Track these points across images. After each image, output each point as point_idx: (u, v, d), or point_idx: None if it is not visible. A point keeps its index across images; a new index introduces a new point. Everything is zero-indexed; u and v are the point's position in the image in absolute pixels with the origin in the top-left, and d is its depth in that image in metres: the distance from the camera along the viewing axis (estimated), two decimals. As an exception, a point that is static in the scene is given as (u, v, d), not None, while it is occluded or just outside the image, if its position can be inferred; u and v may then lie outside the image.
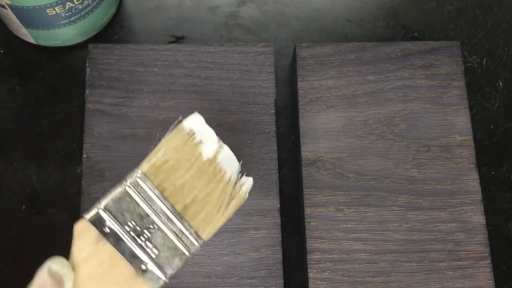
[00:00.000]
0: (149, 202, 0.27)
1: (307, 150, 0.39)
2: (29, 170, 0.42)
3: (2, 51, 0.45)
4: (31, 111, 0.43)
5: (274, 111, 0.40)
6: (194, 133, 0.28)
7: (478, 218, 0.38)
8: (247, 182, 0.29)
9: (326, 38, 0.46)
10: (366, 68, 0.41)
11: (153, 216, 0.27)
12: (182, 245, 0.27)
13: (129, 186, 0.27)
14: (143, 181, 0.27)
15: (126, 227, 0.27)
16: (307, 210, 0.38)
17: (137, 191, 0.27)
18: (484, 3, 0.48)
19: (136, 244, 0.27)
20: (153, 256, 0.27)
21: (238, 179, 0.29)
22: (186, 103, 0.40)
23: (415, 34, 0.47)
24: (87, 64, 0.41)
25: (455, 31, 0.47)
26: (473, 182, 0.39)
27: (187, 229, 0.28)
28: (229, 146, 0.40)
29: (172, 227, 0.27)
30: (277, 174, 0.39)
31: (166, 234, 0.27)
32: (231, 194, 0.29)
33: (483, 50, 0.46)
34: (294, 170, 0.43)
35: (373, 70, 0.41)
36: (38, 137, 0.43)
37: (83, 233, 0.27)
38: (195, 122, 0.28)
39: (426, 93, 0.41)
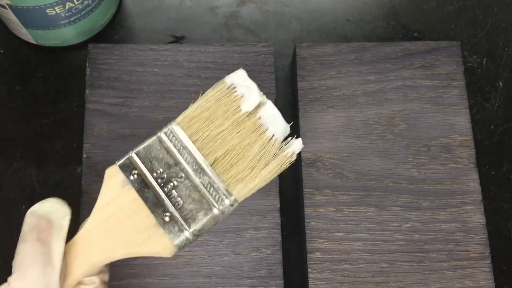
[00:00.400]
0: (179, 152, 0.26)
1: (307, 150, 0.39)
2: (29, 170, 0.42)
3: (2, 51, 0.45)
4: (31, 111, 0.43)
5: (274, 111, 0.40)
6: (235, 87, 0.27)
7: (478, 218, 0.38)
8: (295, 144, 0.28)
9: (326, 38, 0.46)
10: (366, 68, 0.41)
11: (182, 166, 0.26)
12: (209, 199, 0.26)
13: (162, 135, 0.26)
14: (176, 131, 0.26)
15: (154, 174, 0.26)
16: (307, 210, 0.38)
17: (169, 139, 0.26)
18: (484, 3, 0.48)
19: (160, 192, 0.26)
20: (177, 206, 0.26)
21: (285, 140, 0.27)
22: (186, 103, 0.40)
23: (415, 34, 0.47)
24: (87, 64, 0.41)
25: (455, 31, 0.47)
26: (473, 182, 0.39)
27: (216, 183, 0.26)
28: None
29: (200, 179, 0.26)
30: (277, 174, 0.39)
31: (193, 185, 0.26)
32: (272, 152, 0.27)
33: (483, 50, 0.46)
34: (294, 170, 0.43)
35: (373, 70, 0.41)
36: (38, 137, 0.43)
37: (111, 177, 0.26)
38: (238, 77, 0.27)
39: (426, 93, 0.41)
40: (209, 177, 0.26)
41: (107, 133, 0.39)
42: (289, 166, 0.42)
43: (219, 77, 0.41)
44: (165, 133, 0.26)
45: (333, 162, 0.39)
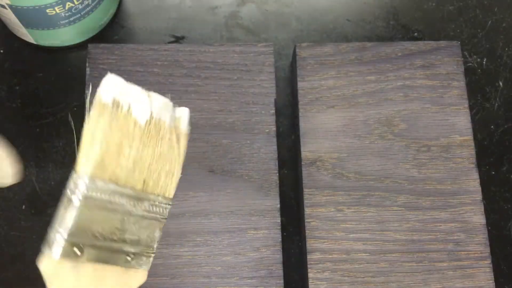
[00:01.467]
0: (109, 201, 0.23)
1: (307, 150, 0.39)
2: (29, 170, 0.42)
3: (2, 51, 0.45)
4: (31, 111, 0.43)
5: (274, 111, 0.40)
6: (118, 101, 0.24)
7: (478, 218, 0.38)
8: (183, 115, 0.26)
9: (326, 38, 0.46)
10: (366, 68, 0.41)
11: (119, 210, 0.24)
12: (156, 217, 0.25)
13: (81, 199, 0.23)
14: (92, 184, 0.23)
15: (97, 235, 0.23)
16: (307, 210, 0.38)
17: (90, 197, 0.23)
18: (484, 3, 0.48)
19: (113, 244, 0.24)
20: (135, 243, 0.25)
21: (174, 116, 0.26)
22: (186, 103, 0.40)
23: (415, 34, 0.47)
24: (87, 64, 0.41)
25: (455, 31, 0.47)
26: (473, 182, 0.39)
27: (154, 201, 0.25)
28: (229, 146, 0.40)
29: (140, 208, 0.25)
30: (277, 174, 0.39)
31: (137, 218, 0.25)
32: (177, 138, 0.26)
33: (483, 50, 0.46)
34: (294, 170, 0.43)
35: (373, 70, 0.41)
36: (38, 137, 0.42)
37: (55, 273, 0.23)
38: (114, 87, 0.24)
39: (426, 93, 0.41)
40: (147, 200, 0.25)
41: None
42: (289, 166, 0.43)
43: (219, 77, 0.41)
44: (84, 197, 0.23)
45: (333, 162, 0.39)
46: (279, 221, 0.38)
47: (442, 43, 0.42)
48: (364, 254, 0.37)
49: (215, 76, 0.41)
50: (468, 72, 0.45)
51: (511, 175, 0.43)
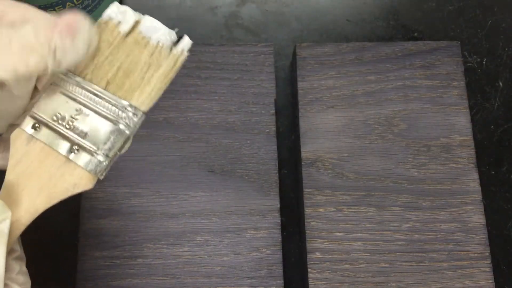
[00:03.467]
0: (73, 91, 0.27)
1: (307, 150, 0.39)
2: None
3: (2, 51, 0.45)
4: (31, 111, 0.43)
5: (274, 111, 0.40)
6: (111, 18, 0.28)
7: (478, 218, 0.38)
8: (184, 41, 0.29)
9: (326, 38, 0.46)
10: (366, 68, 0.41)
11: (78, 100, 0.27)
12: (111, 118, 0.27)
13: (53, 84, 0.27)
14: (64, 75, 0.27)
15: (54, 117, 0.27)
16: (307, 210, 0.38)
17: (59, 85, 0.27)
18: (484, 3, 0.48)
19: (63, 130, 0.27)
20: (82, 135, 0.27)
21: (173, 44, 0.28)
22: (186, 103, 0.40)
23: (415, 34, 0.47)
24: (87, 64, 0.41)
25: (455, 31, 0.47)
26: (473, 182, 0.39)
27: (112, 101, 0.27)
28: (229, 146, 0.40)
29: (96, 105, 0.27)
30: (277, 174, 0.39)
31: (91, 113, 0.27)
32: (162, 56, 0.28)
33: (483, 50, 0.46)
34: (294, 170, 0.43)
35: (373, 70, 0.41)
36: (38, 137, 0.42)
37: (15, 139, 0.27)
38: (111, 10, 0.28)
39: (426, 93, 0.41)
40: (105, 100, 0.27)
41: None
42: (289, 166, 0.43)
43: (219, 77, 0.41)
44: (54, 83, 0.27)
45: (333, 162, 0.39)
46: (279, 221, 0.38)
47: (442, 43, 0.42)
48: (364, 254, 0.37)
49: (215, 76, 0.41)
50: (468, 72, 0.45)
51: (511, 175, 0.43)
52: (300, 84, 0.41)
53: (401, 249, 0.38)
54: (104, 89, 0.27)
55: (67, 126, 0.27)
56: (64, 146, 0.27)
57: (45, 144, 0.27)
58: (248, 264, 0.37)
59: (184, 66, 0.41)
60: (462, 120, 0.40)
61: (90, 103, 0.27)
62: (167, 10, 0.46)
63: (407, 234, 0.38)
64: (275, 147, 0.40)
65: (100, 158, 0.27)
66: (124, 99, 0.27)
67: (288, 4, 0.47)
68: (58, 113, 0.27)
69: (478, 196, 0.39)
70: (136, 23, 0.28)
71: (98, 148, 0.27)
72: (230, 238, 0.38)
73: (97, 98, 0.27)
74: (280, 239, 0.38)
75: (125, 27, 0.28)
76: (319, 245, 0.37)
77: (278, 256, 0.37)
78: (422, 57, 0.42)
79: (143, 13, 0.29)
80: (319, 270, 0.37)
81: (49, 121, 0.27)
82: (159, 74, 0.28)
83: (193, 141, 0.40)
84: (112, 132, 0.27)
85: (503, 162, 0.44)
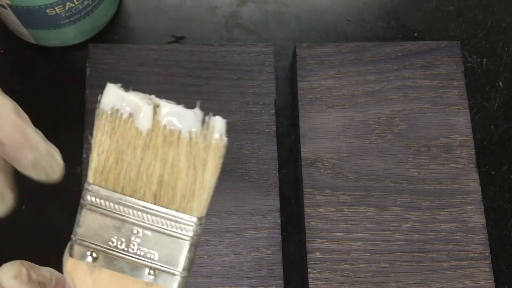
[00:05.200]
0: (116, 210, 0.24)
1: (307, 150, 0.39)
2: (29, 170, 0.42)
3: (2, 51, 0.45)
4: (31, 111, 0.43)
5: (274, 111, 0.40)
6: (117, 109, 0.23)
7: (478, 218, 0.38)
8: (217, 124, 0.25)
9: (326, 38, 0.46)
10: (366, 68, 0.41)
11: (130, 221, 0.24)
12: (177, 235, 0.24)
13: (87, 206, 0.24)
14: (97, 192, 0.23)
15: (110, 244, 0.23)
16: (307, 210, 0.38)
17: (97, 205, 0.23)
18: (484, 3, 0.48)
19: (130, 256, 0.24)
20: (154, 258, 0.24)
21: (204, 127, 0.24)
22: (186, 103, 0.40)
23: (415, 34, 0.47)
24: (87, 64, 0.41)
25: (455, 31, 0.47)
26: (473, 182, 0.39)
27: (173, 217, 0.24)
28: (229, 146, 0.40)
29: (154, 223, 0.24)
30: (277, 174, 0.39)
31: (153, 233, 0.24)
32: (201, 149, 0.24)
33: (483, 50, 0.46)
34: (294, 170, 0.43)
35: (373, 70, 0.41)
36: (38, 137, 0.42)
37: (74, 271, 0.24)
38: (112, 97, 0.24)
39: (426, 93, 0.41)
40: (163, 216, 0.24)
41: (107, 133, 0.39)
42: (289, 166, 0.43)
43: (219, 77, 0.41)
44: (90, 203, 0.24)
45: (333, 162, 0.39)
46: (279, 221, 0.38)
47: (442, 43, 0.42)
48: (364, 254, 0.37)
49: (215, 76, 0.41)
50: (468, 72, 0.45)
51: (511, 175, 0.43)
52: (300, 84, 0.41)
53: (401, 249, 0.38)
54: (154, 204, 0.24)
55: (132, 251, 0.24)
56: (139, 271, 0.24)
57: (113, 271, 0.24)
58: (248, 264, 0.37)
59: (184, 66, 0.41)
60: (462, 120, 0.40)
61: (145, 223, 0.24)
62: (167, 10, 0.46)
63: (407, 234, 0.38)
64: (275, 147, 0.40)
65: (183, 275, 0.24)
66: (184, 212, 0.24)
67: (288, 4, 0.47)
68: (113, 238, 0.23)
69: (478, 196, 0.39)
70: (154, 110, 0.24)
71: (177, 267, 0.24)
72: (230, 238, 0.38)
73: (151, 216, 0.24)
74: (280, 239, 0.38)
75: (145, 123, 0.23)
76: (319, 245, 0.37)
77: (278, 256, 0.37)
78: (422, 57, 0.42)
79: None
80: (319, 270, 0.37)
81: (105, 247, 0.24)
82: (208, 174, 0.24)
83: (193, 141, 0.40)
84: (183, 249, 0.24)
85: (503, 162, 0.44)
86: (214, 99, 0.40)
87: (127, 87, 0.42)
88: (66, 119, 0.43)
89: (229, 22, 0.46)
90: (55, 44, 0.43)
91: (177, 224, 0.24)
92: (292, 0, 0.47)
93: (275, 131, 0.40)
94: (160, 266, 0.24)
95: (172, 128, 0.24)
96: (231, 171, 0.39)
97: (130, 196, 0.23)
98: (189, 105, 0.42)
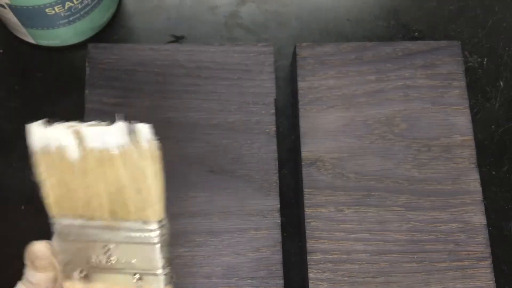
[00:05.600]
0: (83, 234, 0.25)
1: (307, 150, 0.39)
2: (28, 170, 0.42)
3: (1, 51, 0.45)
4: (31, 111, 0.43)
5: (274, 111, 0.40)
6: (47, 145, 0.25)
7: (478, 218, 0.38)
8: (142, 131, 0.25)
9: (327, 37, 0.46)
10: (366, 68, 0.41)
11: (99, 240, 0.25)
12: (144, 240, 0.25)
13: (57, 236, 0.25)
14: (61, 223, 0.25)
15: (93, 261, 0.25)
16: (307, 210, 0.38)
17: (66, 233, 0.25)
18: (485, 3, 0.48)
19: (114, 267, 0.25)
20: (133, 266, 0.26)
21: (132, 137, 0.25)
22: (186, 103, 0.40)
23: (416, 33, 0.47)
24: (87, 64, 0.41)
25: (456, 31, 0.47)
26: (473, 182, 0.39)
27: (133, 227, 0.25)
28: (229, 146, 0.40)
29: (120, 236, 0.25)
30: (277, 174, 0.39)
31: (122, 245, 0.25)
32: (137, 159, 0.24)
33: (484, 49, 0.46)
34: (294, 170, 0.43)
35: (374, 70, 0.41)
36: (37, 137, 0.42)
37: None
38: (39, 135, 0.25)
39: (426, 93, 0.41)
40: (124, 228, 0.25)
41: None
42: (289, 166, 0.42)
43: (219, 77, 0.41)
44: (59, 233, 0.26)
45: (333, 162, 0.39)
46: (279, 221, 0.38)
47: (443, 43, 0.42)
48: (364, 255, 0.37)
49: (215, 76, 0.41)
50: (469, 72, 0.45)
51: (511, 175, 0.43)
52: (300, 84, 0.41)
53: (401, 250, 0.37)
54: (113, 220, 0.25)
55: (112, 263, 0.25)
56: (126, 278, 0.25)
57: (104, 282, 0.25)
58: (248, 264, 0.37)
59: (184, 66, 0.41)
60: (462, 120, 0.40)
61: (114, 238, 0.25)
62: (167, 10, 0.46)
63: (408, 235, 0.38)
64: (275, 147, 0.40)
65: (162, 275, 0.26)
66: (141, 220, 0.25)
67: (288, 3, 0.47)
68: (92, 256, 0.25)
69: (479, 196, 0.39)
70: (78, 138, 0.24)
71: (156, 269, 0.25)
72: (230, 238, 0.38)
73: (115, 231, 0.25)
74: (280, 240, 0.38)
75: (73, 151, 0.24)
76: (319, 245, 0.37)
77: (278, 256, 0.37)
78: (422, 57, 0.41)
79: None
80: (319, 271, 0.37)
81: (89, 265, 0.25)
82: (151, 179, 0.25)
83: (193, 141, 0.39)
84: (154, 251, 0.25)
85: (504, 162, 0.43)
86: (214, 99, 0.40)
87: (127, 86, 0.42)
88: (66, 119, 0.43)
89: (229, 22, 0.46)
90: (54, 44, 0.43)
91: (141, 232, 0.25)
92: (292, 0, 0.47)
93: (275, 131, 0.40)
94: (142, 271, 0.25)
95: (100, 148, 0.24)
96: (231, 171, 0.39)
97: (89, 219, 0.25)
98: (189, 105, 0.42)
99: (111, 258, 0.25)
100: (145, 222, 0.25)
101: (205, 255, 0.37)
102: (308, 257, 0.37)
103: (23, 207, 0.41)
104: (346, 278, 0.37)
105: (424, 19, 0.47)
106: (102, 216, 0.25)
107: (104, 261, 0.25)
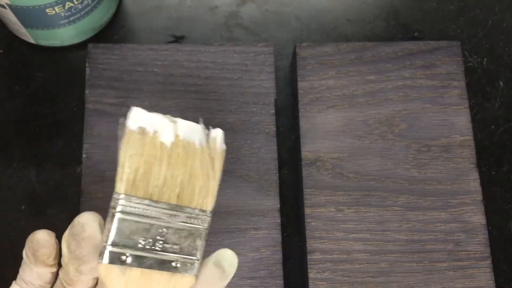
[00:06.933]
0: (145, 214, 0.27)
1: (307, 150, 0.39)
2: (28, 170, 0.42)
3: (2, 51, 0.45)
4: (31, 111, 0.43)
5: (274, 111, 0.40)
6: (144, 128, 0.28)
7: (478, 218, 0.38)
8: (217, 135, 0.29)
9: (326, 37, 0.46)
10: (366, 68, 0.41)
11: (157, 223, 0.27)
12: (195, 227, 0.28)
13: (119, 213, 0.27)
14: (128, 201, 0.27)
15: (139, 245, 0.27)
16: (307, 210, 0.38)
17: (128, 212, 0.27)
18: (484, 3, 0.48)
19: (157, 253, 0.27)
20: (177, 251, 0.28)
21: (208, 138, 0.29)
22: (186, 103, 0.40)
23: (416, 33, 0.47)
24: (87, 64, 0.41)
25: (456, 31, 0.47)
26: (473, 182, 0.39)
27: (191, 213, 0.28)
28: (229, 146, 0.40)
29: (177, 220, 0.28)
30: (277, 174, 0.39)
31: (176, 229, 0.28)
32: (210, 157, 0.29)
33: (484, 50, 0.46)
34: (294, 170, 0.43)
35: (374, 70, 0.41)
36: (37, 137, 0.42)
37: (108, 275, 0.27)
38: (139, 117, 0.28)
39: (426, 93, 0.41)
40: (183, 213, 0.28)
41: (107, 133, 0.39)
42: (289, 166, 0.42)
43: (219, 77, 0.41)
44: (121, 210, 0.27)
45: (333, 162, 0.39)
46: (279, 221, 0.38)
47: (443, 43, 0.42)
48: (364, 254, 0.37)
49: (215, 76, 0.41)
50: (469, 72, 0.45)
51: (511, 175, 0.43)
52: (300, 84, 0.41)
53: (401, 249, 0.38)
54: (178, 204, 0.28)
55: (159, 248, 0.27)
56: (165, 264, 0.28)
57: (143, 269, 0.27)
58: (248, 264, 0.37)
59: (184, 66, 0.41)
60: (462, 120, 0.40)
61: (170, 222, 0.28)
62: (167, 10, 0.46)
63: (408, 234, 0.38)
64: (275, 147, 0.40)
65: (198, 263, 0.28)
66: (200, 206, 0.28)
67: (288, 4, 0.47)
68: (142, 239, 0.27)
69: (479, 196, 0.39)
70: (175, 128, 0.28)
71: (195, 256, 0.28)
72: (230, 238, 0.38)
73: (175, 215, 0.28)
74: (280, 239, 0.38)
75: (168, 138, 0.28)
76: (319, 245, 0.37)
77: (278, 256, 0.37)
78: (422, 57, 0.41)
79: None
80: (319, 271, 0.37)
81: (135, 249, 0.27)
82: (216, 175, 0.29)
83: (193, 141, 0.39)
84: (200, 238, 0.29)
85: (504, 162, 0.44)
86: (214, 99, 0.40)
87: (127, 86, 0.42)
88: (66, 119, 0.43)
89: (229, 22, 0.46)
90: (54, 44, 0.43)
91: (196, 219, 0.28)
92: (292, 0, 0.47)
93: (275, 131, 0.40)
94: (182, 257, 0.28)
95: (189, 141, 0.28)
96: (231, 171, 0.39)
97: (157, 200, 0.27)
98: (189, 105, 0.42)
99: (159, 243, 0.27)
100: (203, 210, 0.28)
101: (205, 256, 0.37)
102: (308, 257, 0.37)
103: (23, 207, 0.41)
104: (346, 278, 0.37)
105: (424, 19, 0.47)
106: (169, 199, 0.28)
107: (150, 245, 0.27)
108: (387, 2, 0.47)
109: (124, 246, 0.27)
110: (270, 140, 0.40)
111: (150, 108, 0.40)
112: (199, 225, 0.28)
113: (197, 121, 0.29)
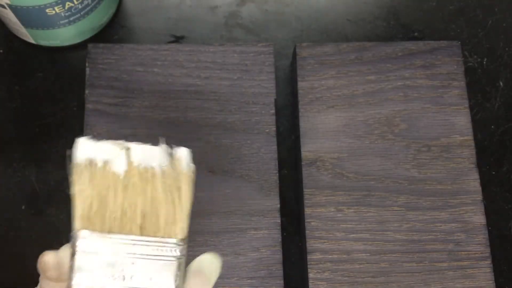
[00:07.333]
0: (107, 248, 0.26)
1: (307, 150, 0.39)
2: (28, 170, 0.42)
3: (2, 51, 0.45)
4: (31, 111, 0.43)
5: (274, 111, 0.40)
6: (93, 159, 0.26)
7: (478, 218, 0.38)
8: (182, 155, 0.27)
9: (326, 38, 0.46)
10: (366, 68, 0.41)
11: (120, 257, 0.26)
12: (165, 258, 0.26)
13: (79, 251, 0.25)
14: (88, 237, 0.25)
15: (107, 280, 0.25)
16: (307, 210, 0.38)
17: (89, 249, 0.25)
18: (484, 3, 0.48)
19: (127, 286, 0.26)
20: (150, 283, 0.26)
21: (172, 159, 0.27)
22: (186, 103, 0.40)
23: (416, 34, 0.47)
24: (87, 64, 0.41)
25: (456, 31, 0.47)
26: (473, 182, 0.39)
27: (158, 244, 0.26)
28: (229, 146, 0.40)
29: (144, 252, 0.26)
30: (277, 174, 0.39)
31: (144, 262, 0.26)
32: (175, 180, 0.26)
33: (484, 50, 0.46)
34: (294, 170, 0.43)
35: (374, 70, 0.41)
36: (37, 137, 0.42)
37: None
38: (86, 148, 0.26)
39: (426, 93, 0.41)
40: (149, 244, 0.26)
41: (107, 133, 0.39)
42: (289, 166, 0.42)
43: (219, 77, 0.41)
44: (81, 248, 0.25)
45: (333, 162, 0.39)
46: (279, 221, 0.38)
47: (443, 43, 0.42)
48: (364, 254, 0.37)
49: (215, 76, 0.41)
50: (469, 72, 0.45)
51: (511, 175, 0.43)
52: (300, 84, 0.41)
53: (401, 250, 0.37)
54: (141, 235, 0.26)
55: (127, 281, 0.26)
56: None
57: None
58: (248, 264, 0.37)
59: (184, 66, 0.41)
60: (462, 120, 0.40)
61: (136, 253, 0.26)
62: (167, 10, 0.46)
63: (408, 234, 0.38)
64: (275, 147, 0.40)
65: None
66: (169, 236, 0.26)
67: (288, 4, 0.47)
68: (109, 274, 0.25)
69: (479, 196, 0.39)
70: (128, 153, 0.26)
71: (170, 286, 0.26)
72: (230, 238, 0.38)
73: (140, 247, 0.26)
74: (280, 239, 0.38)
75: (121, 167, 0.26)
76: (319, 245, 0.37)
77: (278, 256, 0.37)
78: (422, 57, 0.41)
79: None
80: (319, 270, 0.37)
81: (102, 285, 0.25)
82: (184, 199, 0.26)
83: (193, 141, 0.39)
84: (172, 268, 0.26)
85: (504, 162, 0.43)
86: (214, 99, 0.40)
87: (126, 86, 0.42)
88: (66, 119, 0.43)
89: (229, 22, 0.46)
90: (54, 44, 0.43)
91: (165, 248, 0.26)
92: (292, 0, 0.47)
93: (275, 131, 0.40)
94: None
95: (146, 166, 0.26)
96: (231, 171, 0.39)
97: (118, 233, 0.26)
98: (189, 105, 0.42)
99: (128, 276, 0.26)
100: (171, 238, 0.26)
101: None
102: (308, 257, 0.37)
103: (23, 207, 0.41)
104: (346, 278, 0.37)
105: (424, 19, 0.47)
106: (131, 231, 0.26)
107: (119, 279, 0.26)
108: (387, 2, 0.47)
109: (90, 283, 0.25)
110: (270, 140, 0.40)
111: (150, 108, 0.40)
112: (170, 254, 0.26)
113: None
